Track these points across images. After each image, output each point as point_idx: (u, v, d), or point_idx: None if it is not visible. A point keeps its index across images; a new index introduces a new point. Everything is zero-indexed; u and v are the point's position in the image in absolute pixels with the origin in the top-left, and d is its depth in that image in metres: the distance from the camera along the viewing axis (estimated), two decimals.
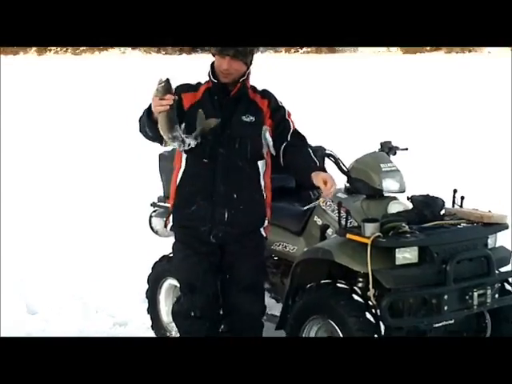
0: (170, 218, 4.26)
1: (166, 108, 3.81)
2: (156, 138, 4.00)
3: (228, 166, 4.06)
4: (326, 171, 4.02)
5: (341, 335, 4.14)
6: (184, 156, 4.13)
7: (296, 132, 4.18)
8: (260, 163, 4.17)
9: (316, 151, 4.78)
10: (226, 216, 4.08)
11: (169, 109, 3.82)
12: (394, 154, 4.86)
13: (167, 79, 3.83)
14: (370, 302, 4.14)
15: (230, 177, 4.06)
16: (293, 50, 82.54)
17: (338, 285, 4.28)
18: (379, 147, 4.85)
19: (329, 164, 4.85)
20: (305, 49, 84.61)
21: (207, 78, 4.15)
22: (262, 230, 4.27)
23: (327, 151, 4.78)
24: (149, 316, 5.39)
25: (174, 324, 5.07)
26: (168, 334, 5.24)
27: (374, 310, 4.13)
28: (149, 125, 3.96)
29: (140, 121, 4.07)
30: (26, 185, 10.69)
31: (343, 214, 4.27)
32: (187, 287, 4.23)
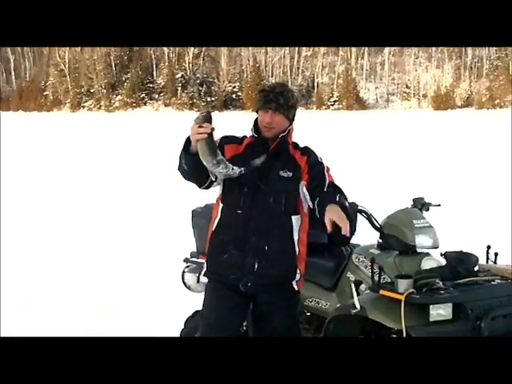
0: (205, 264, 4.34)
1: (204, 136, 3.90)
2: (194, 174, 4.10)
3: (261, 219, 4.13)
4: (344, 207, 3.93)
5: None
6: (220, 206, 4.24)
7: (332, 185, 4.17)
8: (294, 218, 4.20)
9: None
10: (256, 266, 4.13)
11: (207, 136, 3.91)
12: (427, 210, 4.85)
13: (208, 111, 3.97)
14: None
15: (262, 229, 4.13)
16: (324, 107, 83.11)
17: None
18: (412, 203, 4.86)
19: (361, 220, 4.87)
20: (336, 105, 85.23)
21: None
22: (294, 283, 4.28)
23: (360, 207, 4.79)
24: None
25: None
26: None
27: None
28: (186, 159, 4.04)
29: (179, 159, 4.13)
30: (66, 234, 10.83)
31: (376, 270, 4.25)
32: (205, 322, 4.28)
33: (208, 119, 3.94)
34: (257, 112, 4.24)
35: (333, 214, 3.85)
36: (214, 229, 4.27)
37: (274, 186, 4.12)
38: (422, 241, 4.43)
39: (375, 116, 46.41)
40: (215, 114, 4.05)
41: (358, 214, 4.84)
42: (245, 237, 4.15)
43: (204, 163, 3.98)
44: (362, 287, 4.55)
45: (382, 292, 4.16)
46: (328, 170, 4.24)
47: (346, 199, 4.16)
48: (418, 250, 4.47)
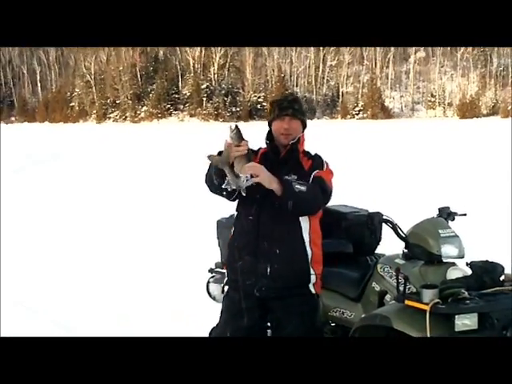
0: (226, 273, 4.51)
1: (243, 153, 4.02)
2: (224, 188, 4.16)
3: (270, 223, 4.26)
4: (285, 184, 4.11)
5: None
6: (235, 214, 4.42)
7: (313, 183, 4.26)
8: (302, 219, 4.33)
9: (373, 217, 4.80)
10: (269, 271, 4.25)
11: (243, 155, 4.04)
12: (453, 219, 4.83)
13: (236, 126, 4.06)
14: None
15: (272, 233, 4.26)
16: (348, 116, 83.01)
17: None
18: (437, 213, 4.84)
19: (386, 229, 4.86)
20: (361, 114, 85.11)
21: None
22: (310, 286, 4.35)
23: (385, 217, 4.79)
24: None
25: None
26: None
27: None
28: (218, 175, 4.13)
29: (207, 176, 4.24)
30: (90, 242, 10.89)
31: (401, 280, 4.24)
32: (219, 329, 4.41)
33: (241, 135, 4.05)
34: (269, 124, 4.40)
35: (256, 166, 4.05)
36: (230, 237, 4.45)
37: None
38: (447, 250, 4.41)
39: (400, 125, 46.29)
40: (240, 125, 4.10)
41: (383, 224, 4.84)
42: (256, 242, 4.28)
43: (236, 178, 4.08)
44: (387, 297, 4.54)
45: (407, 302, 4.15)
46: (327, 168, 4.39)
47: (315, 194, 4.22)
48: (444, 260, 4.45)
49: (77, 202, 16.16)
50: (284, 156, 4.36)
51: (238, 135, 4.04)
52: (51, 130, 49.99)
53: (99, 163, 26.40)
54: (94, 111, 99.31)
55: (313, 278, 4.36)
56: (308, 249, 4.35)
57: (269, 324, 4.55)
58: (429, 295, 4.06)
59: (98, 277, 9.02)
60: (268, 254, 4.25)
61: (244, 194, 4.13)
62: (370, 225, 4.94)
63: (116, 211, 14.61)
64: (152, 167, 24.03)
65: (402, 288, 4.23)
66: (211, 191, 4.31)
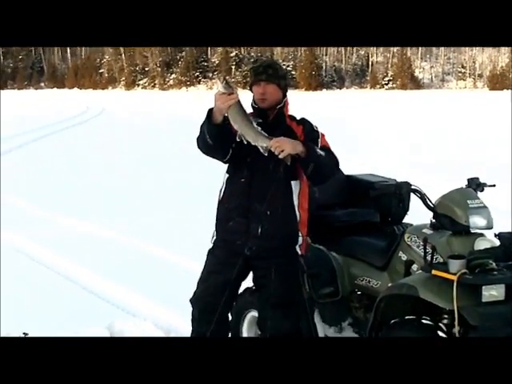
0: (214, 232, 4.58)
1: (235, 100, 4.12)
2: (220, 146, 4.30)
3: (262, 186, 4.36)
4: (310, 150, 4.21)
5: None
6: (226, 177, 4.52)
7: (325, 149, 4.37)
8: (293, 183, 4.43)
9: (401, 186, 4.78)
10: (260, 231, 4.37)
11: (238, 102, 4.14)
12: (482, 190, 4.79)
13: (225, 77, 4.22)
14: None
15: (264, 195, 4.34)
16: (378, 86, 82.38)
17: (423, 321, 4.22)
18: (466, 183, 4.80)
19: (415, 200, 4.84)
20: (390, 84, 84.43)
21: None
22: (297, 247, 4.50)
23: (413, 186, 4.76)
24: None
25: None
26: None
27: None
28: (212, 132, 4.22)
29: (201, 134, 4.31)
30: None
31: (429, 250, 4.23)
32: (201, 280, 4.58)
33: (231, 86, 4.15)
34: (251, 89, 4.48)
35: (282, 139, 4.15)
36: (220, 198, 4.54)
37: (273, 154, 4.19)
38: (475, 221, 4.38)
39: (430, 95, 45.85)
40: None
41: (412, 194, 4.82)
42: (248, 204, 4.39)
43: (239, 127, 4.18)
44: (414, 267, 4.53)
45: (434, 272, 4.14)
46: (323, 136, 4.45)
47: (333, 160, 4.38)
48: (472, 231, 4.42)
49: (101, 165, 16.26)
50: (272, 120, 4.41)
51: (229, 85, 4.14)
52: (80, 95, 50.14)
53: (127, 127, 26.47)
54: (123, 78, 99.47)
55: (300, 240, 4.49)
56: (297, 212, 4.47)
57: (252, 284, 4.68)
58: (456, 265, 4.05)
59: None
60: (259, 215, 4.36)
61: (266, 155, 4.19)
62: (397, 194, 4.91)
63: (139, 175, 14.68)
64: (178, 133, 24.03)
65: (429, 258, 4.23)
66: (203, 152, 4.40)
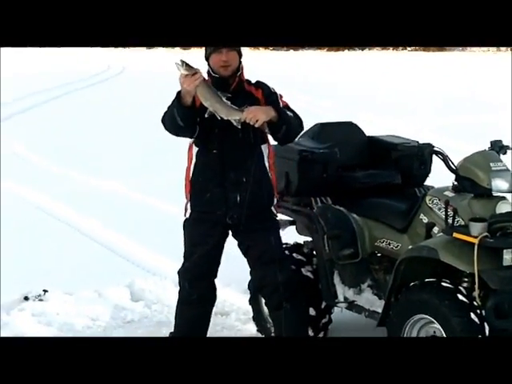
0: (188, 205, 4.65)
1: (200, 80, 4.18)
2: (189, 125, 4.36)
3: (235, 154, 4.44)
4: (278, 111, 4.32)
5: (444, 335, 4.08)
6: (195, 150, 4.54)
7: (287, 108, 4.49)
8: (263, 147, 4.55)
9: (424, 148, 4.74)
10: (239, 199, 4.47)
11: (202, 81, 4.19)
12: (505, 153, 4.74)
13: (181, 60, 4.20)
14: (475, 303, 4.06)
15: (238, 163, 4.45)
16: (400, 48, 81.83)
17: (443, 284, 4.20)
18: (489, 146, 4.75)
19: (437, 161, 4.80)
20: (413, 46, 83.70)
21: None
22: (273, 208, 4.65)
23: (435, 148, 4.72)
24: (250, 307, 5.44)
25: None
26: (269, 326, 5.27)
27: (478, 311, 4.04)
28: (183, 113, 4.29)
29: (165, 118, 4.40)
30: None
31: (450, 213, 4.21)
32: (187, 252, 4.70)
33: (192, 67, 4.19)
34: (207, 59, 4.47)
35: (254, 109, 4.25)
36: (192, 172, 4.57)
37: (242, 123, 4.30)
38: (498, 184, 4.34)
39: (452, 58, 45.34)
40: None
41: (434, 156, 4.78)
42: (223, 173, 4.46)
43: (210, 105, 4.24)
44: (435, 230, 4.50)
45: (455, 235, 4.13)
46: (281, 97, 4.55)
47: (298, 119, 4.50)
48: (494, 194, 4.38)
49: (119, 124, 16.28)
50: (234, 88, 4.44)
51: (190, 67, 4.18)
52: (102, 53, 50.11)
53: (147, 87, 26.42)
54: None
55: (274, 201, 4.66)
56: (269, 174, 4.59)
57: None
58: (477, 228, 4.03)
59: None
60: (236, 183, 4.45)
61: (239, 127, 4.30)
62: (419, 156, 4.88)
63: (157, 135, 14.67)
64: None
65: (450, 220, 4.21)
66: (172, 133, 4.47)
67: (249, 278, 5.36)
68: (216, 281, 4.80)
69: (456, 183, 4.56)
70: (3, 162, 11.55)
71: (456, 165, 4.57)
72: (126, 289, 6.21)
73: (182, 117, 4.30)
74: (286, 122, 4.37)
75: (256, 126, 4.24)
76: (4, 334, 5.28)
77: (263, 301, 5.31)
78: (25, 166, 12.00)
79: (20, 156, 13.09)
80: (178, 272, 4.82)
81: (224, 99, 4.26)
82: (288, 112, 4.43)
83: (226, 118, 4.28)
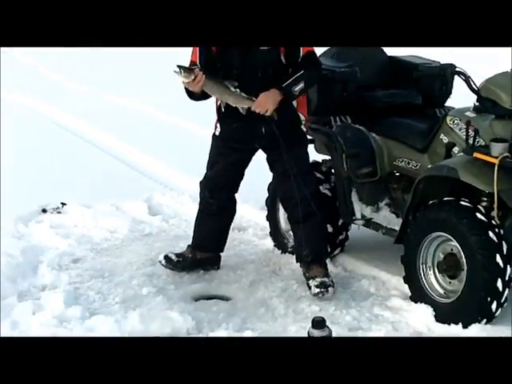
0: (218, 124, 4.76)
1: (203, 80, 4.36)
2: (207, 98, 4.62)
3: (256, 91, 4.45)
4: (283, 93, 4.46)
5: (462, 253, 4.14)
6: None
7: (308, 55, 4.56)
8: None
9: (446, 68, 4.72)
10: (263, 130, 4.61)
11: (205, 79, 4.37)
12: None
13: (178, 66, 4.35)
14: (494, 222, 4.10)
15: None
16: None
17: (462, 203, 4.23)
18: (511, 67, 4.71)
19: (458, 82, 4.78)
20: None
21: None
22: (302, 127, 4.76)
23: (457, 69, 4.69)
24: (267, 223, 5.51)
25: (291, 232, 5.21)
26: (285, 242, 5.34)
27: (497, 230, 4.09)
28: (195, 99, 4.61)
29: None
30: None
31: (471, 133, 4.21)
32: (211, 163, 4.86)
33: (189, 71, 4.36)
34: None
35: (262, 98, 4.42)
36: (223, 110, 4.67)
37: (259, 60, 4.49)
38: None
39: None
40: None
41: (456, 76, 4.76)
42: (249, 110, 4.51)
43: (219, 97, 4.52)
44: (455, 150, 4.51)
45: (475, 155, 4.14)
46: None
47: (318, 71, 4.67)
48: None
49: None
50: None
51: (187, 72, 4.36)
52: None
53: None
54: None
55: (303, 121, 4.75)
56: (295, 102, 4.64)
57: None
58: (498, 149, 4.05)
59: None
60: (261, 116, 4.49)
61: (245, 113, 4.52)
62: (441, 76, 4.86)
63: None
64: None
65: (471, 141, 4.22)
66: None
67: (266, 194, 5.44)
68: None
69: (477, 104, 4.55)
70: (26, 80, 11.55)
71: (478, 86, 4.54)
72: (144, 203, 6.26)
73: (198, 99, 4.61)
74: (294, 96, 4.52)
75: (267, 115, 4.45)
76: (22, 245, 5.37)
77: (281, 217, 5.38)
78: (48, 85, 11.98)
79: (43, 75, 13.10)
80: (200, 182, 4.92)
81: (232, 88, 4.42)
82: (297, 84, 4.49)
83: (234, 106, 4.49)
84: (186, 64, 4.54)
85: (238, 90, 4.43)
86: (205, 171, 4.95)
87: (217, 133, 4.77)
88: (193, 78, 4.35)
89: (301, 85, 4.50)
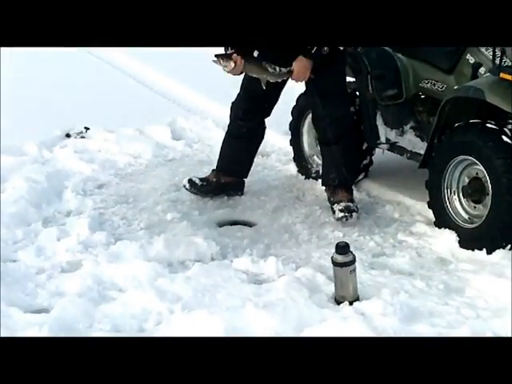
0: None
1: (241, 66, 4.50)
2: None
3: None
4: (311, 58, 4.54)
5: (487, 177, 4.08)
6: None
7: None
8: None
9: None
10: None
11: (244, 64, 4.50)
12: None
13: (215, 55, 4.53)
14: None
15: None
16: None
17: (487, 125, 4.15)
18: None
19: None
20: None
21: None
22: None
23: None
24: (291, 148, 5.46)
25: (315, 157, 5.17)
26: (309, 167, 5.30)
27: None
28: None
29: None
30: None
31: (498, 53, 4.10)
32: (245, 84, 4.87)
33: (228, 57, 4.50)
34: None
35: (298, 69, 4.55)
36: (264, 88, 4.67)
37: None
38: None
39: None
40: None
41: None
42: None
43: (260, 77, 4.59)
44: (482, 70, 4.40)
45: (502, 75, 4.06)
46: None
47: None
48: None
49: None
50: None
51: (226, 59, 4.51)
52: None
53: None
54: None
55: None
56: None
57: None
58: None
59: None
60: None
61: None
62: None
63: None
64: None
65: (497, 61, 4.11)
66: None
67: (290, 119, 5.38)
68: None
69: None
70: None
71: None
72: (167, 127, 6.23)
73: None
74: (320, 55, 4.52)
75: (305, 81, 4.64)
76: (46, 170, 5.38)
77: (304, 142, 5.34)
78: None
79: None
80: (232, 103, 4.91)
81: (270, 68, 4.54)
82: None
83: (274, 81, 4.61)
84: None
85: (275, 68, 4.54)
86: (233, 96, 4.91)
87: (255, 54, 4.68)
88: (233, 65, 4.49)
89: (325, 47, 4.51)
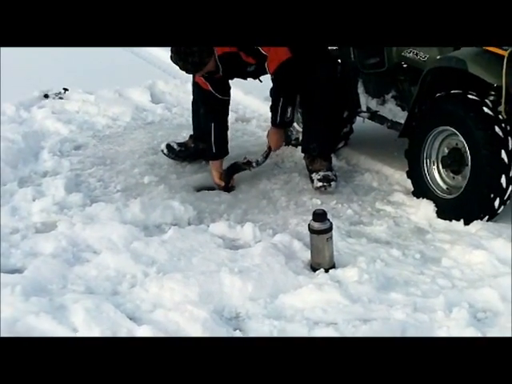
0: None
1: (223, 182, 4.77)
2: None
3: None
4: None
5: (467, 148, 4.06)
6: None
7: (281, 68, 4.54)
8: None
9: None
10: None
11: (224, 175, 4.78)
12: None
13: (227, 168, 4.81)
14: (501, 117, 4.01)
15: None
16: None
17: (469, 96, 4.12)
18: None
19: None
20: None
21: None
22: None
23: None
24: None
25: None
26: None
27: (503, 125, 4.00)
28: None
29: None
30: None
31: None
32: None
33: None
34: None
35: (274, 142, 4.76)
36: None
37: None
38: None
39: None
40: None
41: None
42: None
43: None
44: None
45: (485, 46, 4.02)
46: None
47: (294, 83, 4.61)
48: None
49: None
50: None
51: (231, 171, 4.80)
52: None
53: None
54: None
55: None
56: None
57: None
58: None
59: None
60: None
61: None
62: None
63: None
64: None
65: None
66: None
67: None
68: (236, 88, 4.77)
69: None
70: None
71: None
72: (147, 90, 6.19)
73: None
74: (290, 121, 4.70)
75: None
76: (23, 130, 5.32)
77: None
78: None
79: None
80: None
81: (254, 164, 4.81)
82: (289, 112, 4.61)
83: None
84: None
85: (257, 161, 4.80)
86: None
87: None
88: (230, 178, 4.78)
89: (289, 109, 4.61)
